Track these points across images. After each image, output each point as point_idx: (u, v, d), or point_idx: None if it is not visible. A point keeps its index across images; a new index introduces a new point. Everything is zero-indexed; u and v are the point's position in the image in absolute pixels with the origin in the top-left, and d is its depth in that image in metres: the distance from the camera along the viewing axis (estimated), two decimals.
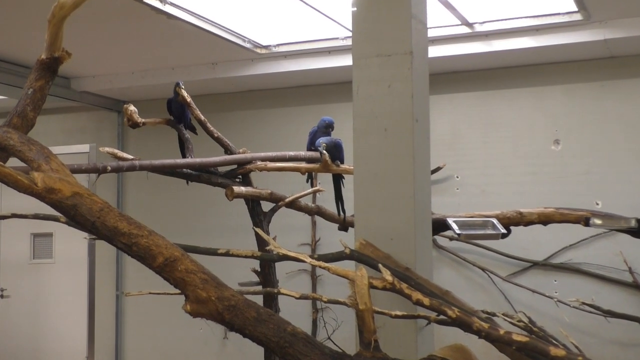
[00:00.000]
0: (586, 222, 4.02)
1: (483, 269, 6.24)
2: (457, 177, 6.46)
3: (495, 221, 4.05)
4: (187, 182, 4.93)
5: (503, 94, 6.38)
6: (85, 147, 7.84)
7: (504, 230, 4.01)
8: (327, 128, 4.92)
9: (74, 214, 2.31)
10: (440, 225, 3.96)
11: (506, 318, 3.18)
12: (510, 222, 4.25)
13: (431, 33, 5.18)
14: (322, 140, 4.63)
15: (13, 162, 2.62)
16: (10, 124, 2.70)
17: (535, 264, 6.16)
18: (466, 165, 6.42)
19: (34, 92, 2.76)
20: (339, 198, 4.85)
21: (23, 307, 8.01)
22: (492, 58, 6.02)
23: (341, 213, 4.88)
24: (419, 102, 3.24)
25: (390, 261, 3.05)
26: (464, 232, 3.89)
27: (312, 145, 5.01)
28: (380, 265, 2.57)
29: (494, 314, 3.43)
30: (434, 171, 6.09)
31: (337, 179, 4.84)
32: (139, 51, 6.21)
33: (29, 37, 5.48)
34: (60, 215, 2.51)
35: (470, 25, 5.63)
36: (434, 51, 5.69)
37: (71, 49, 2.79)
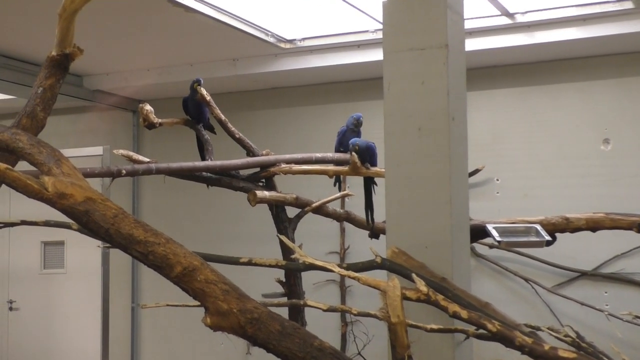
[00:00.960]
0: (639, 228, 3.97)
1: (526, 280, 6.20)
2: (497, 179, 6.42)
3: (539, 227, 4.01)
4: (207, 186, 4.95)
5: (547, 90, 6.33)
6: (98, 150, 7.90)
7: (548, 238, 3.98)
8: (355, 125, 4.91)
9: (87, 220, 2.33)
10: (479, 232, 3.94)
11: (552, 333, 3.15)
12: (556, 228, 4.22)
13: (468, 24, 5.15)
14: (356, 141, 4.62)
15: (22, 165, 2.64)
16: (19, 125, 2.74)
17: (583, 274, 6.10)
18: (507, 167, 6.38)
19: (44, 91, 2.79)
20: (369, 204, 4.83)
21: (33, 320, 8.09)
22: (535, 51, 5.98)
23: (370, 220, 4.87)
24: (456, 99, 3.23)
25: (425, 271, 3.04)
26: (504, 240, 3.86)
27: (340, 146, 5.00)
28: (414, 275, 2.56)
29: (538, 328, 3.40)
30: (471, 173, 6.06)
31: (368, 183, 4.83)
32: (155, 47, 6.26)
33: (38, 32, 5.54)
34: (72, 222, 2.53)
35: (510, 15, 5.60)
36: (472, 44, 5.66)
37: (83, 45, 2.81)
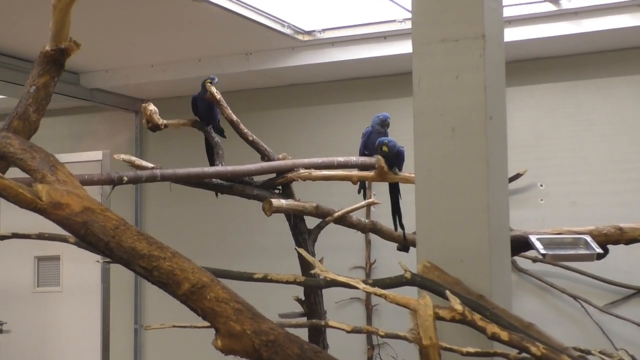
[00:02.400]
0: None
1: (575, 297, 6.16)
2: (541, 185, 6.40)
3: (588, 239, 3.99)
4: (217, 195, 4.97)
5: (597, 84, 6.30)
6: (97, 154, 7.96)
7: (599, 250, 3.96)
8: (382, 126, 4.92)
9: (85, 232, 2.34)
10: (521, 244, 3.92)
11: (604, 357, 3.13)
12: (608, 239, 4.19)
13: (507, 12, 5.14)
14: (384, 140, 4.63)
15: (13, 172, 2.66)
16: (10, 128, 2.76)
17: (639, 292, 6.06)
18: (552, 171, 6.36)
19: (37, 90, 2.81)
20: (396, 212, 4.83)
21: (26, 343, 8.14)
22: (583, 40, 5.96)
23: (399, 230, 4.87)
24: (494, 96, 3.22)
25: (461, 287, 3.03)
26: (550, 252, 3.84)
27: (365, 149, 5.01)
28: (447, 292, 2.55)
29: (588, 352, 3.38)
30: (512, 178, 6.04)
31: (395, 190, 4.83)
32: (159, 40, 6.30)
33: (30, 25, 5.59)
34: (69, 234, 2.55)
35: (555, 1, 5.58)
36: (512, 34, 5.65)
37: (80, 39, 2.83)
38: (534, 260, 6.03)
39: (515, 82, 6.12)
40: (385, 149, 4.60)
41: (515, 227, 3.97)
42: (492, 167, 3.16)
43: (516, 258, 5.89)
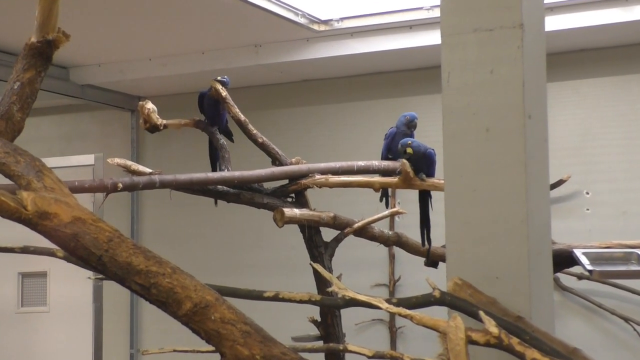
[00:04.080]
0: None
1: (626, 320, 6.13)
2: (587, 193, 6.38)
3: None
4: (216, 203, 4.97)
5: None
6: (89, 158, 7.98)
7: None
8: (408, 127, 4.91)
9: (75, 245, 2.35)
10: (564, 259, 3.91)
11: None
12: None
13: None
14: (407, 141, 4.62)
15: None
16: None
17: None
18: (599, 177, 6.34)
19: (22, 86, 2.82)
20: (425, 224, 4.83)
21: None
22: (635, 29, 5.94)
23: (426, 243, 4.86)
24: (533, 93, 3.21)
25: (496, 307, 3.03)
26: (597, 269, 3.83)
27: (389, 152, 5.00)
28: (481, 313, 2.55)
29: None
30: (554, 185, 6.02)
31: (425, 198, 4.82)
32: (158, 31, 6.32)
33: (13, 14, 5.62)
34: (57, 248, 2.56)
35: None
36: (553, 22, 5.63)
37: (70, 29, 2.85)
38: (580, 277, 6.01)
39: (558, 77, 6.10)
40: (409, 150, 4.58)
41: (558, 240, 3.96)
42: (531, 173, 3.16)
43: (559, 275, 5.87)
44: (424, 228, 4.84)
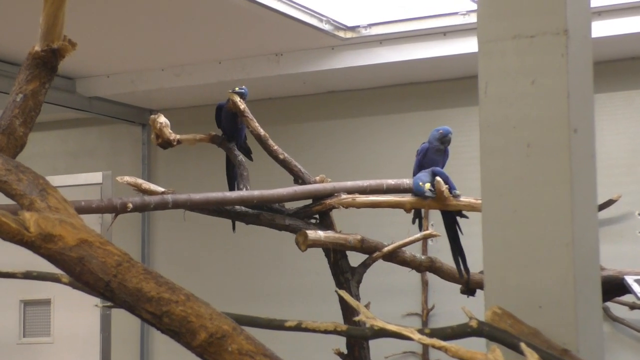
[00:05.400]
0: None
1: None
2: None
3: None
4: (234, 227, 4.98)
5: None
6: (97, 177, 8.02)
7: None
8: (442, 142, 4.90)
9: (81, 270, 2.36)
10: (614, 287, 3.89)
11: None
12: None
13: (596, 2, 5.12)
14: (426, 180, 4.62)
15: None
16: None
17: None
18: None
19: (25, 98, 2.84)
20: (457, 250, 4.81)
21: None
22: None
23: (462, 269, 4.84)
24: (579, 104, 3.20)
25: (539, 339, 3.01)
26: None
27: (421, 170, 4.99)
28: (523, 345, 2.54)
29: None
30: (603, 206, 5.99)
31: (452, 222, 4.81)
32: (171, 39, 6.34)
33: (16, 22, 5.65)
34: (62, 273, 2.57)
35: None
36: (601, 28, 5.62)
37: (76, 38, 2.86)
38: (632, 306, 5.98)
39: (607, 87, 6.08)
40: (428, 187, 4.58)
41: (607, 266, 3.94)
42: (577, 192, 3.15)
43: (609, 304, 5.83)
44: (457, 256, 4.82)
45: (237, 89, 4.88)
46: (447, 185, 4.59)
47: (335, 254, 4.97)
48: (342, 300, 4.57)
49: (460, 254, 4.82)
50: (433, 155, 4.89)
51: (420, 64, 6.46)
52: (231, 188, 5.05)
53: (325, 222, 4.98)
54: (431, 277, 6.43)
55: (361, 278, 5.03)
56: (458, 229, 4.82)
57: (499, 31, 3.27)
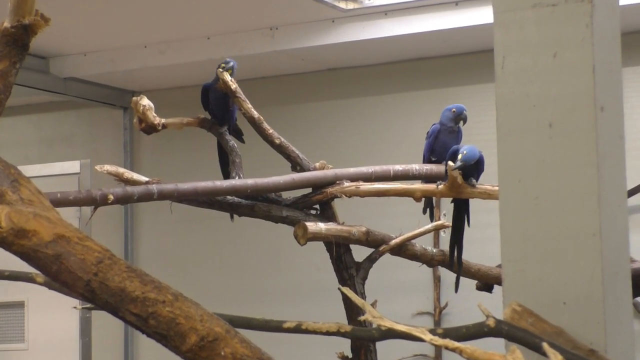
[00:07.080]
0: None
1: None
2: None
3: None
4: (232, 218, 4.98)
5: None
6: (74, 166, 8.02)
7: None
8: (455, 122, 4.90)
9: (58, 269, 2.36)
10: None
11: None
12: None
13: None
14: (465, 150, 4.59)
15: None
16: None
17: None
18: None
19: None
20: (456, 241, 4.84)
21: None
22: None
23: (454, 261, 4.88)
24: (605, 80, 3.20)
25: (563, 339, 3.01)
26: None
27: (432, 154, 4.99)
28: (545, 346, 2.54)
29: None
30: (633, 191, 5.99)
31: (461, 210, 4.82)
32: (154, 13, 6.34)
33: None
34: (36, 272, 2.57)
35: None
36: None
37: (50, 12, 2.86)
38: None
39: (637, 60, 6.08)
40: (461, 163, 4.55)
41: (638, 257, 3.94)
42: (604, 176, 3.15)
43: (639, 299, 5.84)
44: (454, 246, 4.85)
45: (223, 65, 4.87)
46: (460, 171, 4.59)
47: (338, 248, 4.98)
48: (346, 298, 4.58)
49: (458, 245, 4.85)
50: (445, 138, 4.89)
51: (430, 36, 6.46)
52: (225, 177, 5.05)
53: (327, 213, 4.98)
54: (444, 272, 6.45)
55: (367, 274, 5.03)
56: (467, 219, 4.83)
57: (517, 0, 3.27)
